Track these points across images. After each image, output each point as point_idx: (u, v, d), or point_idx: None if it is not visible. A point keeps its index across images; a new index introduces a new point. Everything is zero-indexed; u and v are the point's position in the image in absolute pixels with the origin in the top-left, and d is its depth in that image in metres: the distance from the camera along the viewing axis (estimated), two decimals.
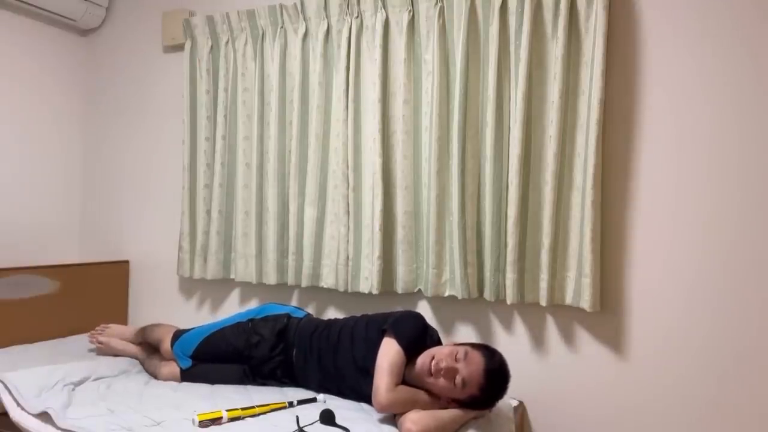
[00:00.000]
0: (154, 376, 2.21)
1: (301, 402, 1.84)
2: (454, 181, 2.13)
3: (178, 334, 2.22)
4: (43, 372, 1.97)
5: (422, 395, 1.73)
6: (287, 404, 1.81)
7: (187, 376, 2.15)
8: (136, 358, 2.37)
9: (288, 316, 2.16)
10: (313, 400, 1.88)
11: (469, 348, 1.74)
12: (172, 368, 2.18)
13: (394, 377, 1.71)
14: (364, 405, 1.88)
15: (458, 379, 1.67)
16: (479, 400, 1.71)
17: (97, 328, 2.58)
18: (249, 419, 1.71)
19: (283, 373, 2.08)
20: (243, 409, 1.73)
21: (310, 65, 2.47)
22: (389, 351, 1.76)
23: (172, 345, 2.19)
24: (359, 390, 1.89)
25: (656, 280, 1.95)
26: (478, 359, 1.70)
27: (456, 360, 1.69)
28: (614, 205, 2.01)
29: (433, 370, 1.69)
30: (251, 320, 2.17)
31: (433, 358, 1.71)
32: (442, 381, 1.69)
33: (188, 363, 2.15)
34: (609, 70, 1.97)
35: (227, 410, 1.70)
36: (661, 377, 1.94)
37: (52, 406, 1.74)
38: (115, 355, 2.40)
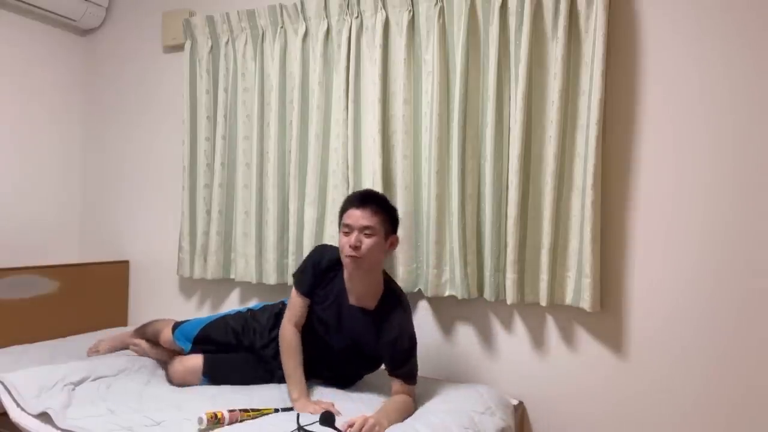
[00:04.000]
0: (170, 378, 2.12)
1: (285, 409, 1.80)
2: (454, 181, 2.13)
3: (178, 324, 2.26)
4: (42, 372, 1.96)
5: (300, 369, 1.93)
6: (273, 410, 1.79)
7: (209, 371, 2.09)
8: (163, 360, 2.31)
9: (282, 302, 2.21)
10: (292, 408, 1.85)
11: None
12: (194, 362, 2.11)
13: (289, 311, 2.02)
14: (353, 394, 1.92)
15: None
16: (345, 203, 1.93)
17: (91, 347, 2.50)
18: (248, 420, 1.70)
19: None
20: (241, 410, 1.72)
21: (310, 65, 2.46)
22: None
23: (173, 332, 2.22)
24: (345, 367, 2.05)
25: (656, 280, 1.95)
26: None
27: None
28: (614, 205, 2.01)
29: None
30: (250, 310, 2.26)
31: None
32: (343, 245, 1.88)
33: (188, 346, 2.17)
34: (609, 70, 1.97)
35: (229, 410, 1.69)
36: (661, 377, 1.94)
37: (51, 407, 1.73)
38: (156, 358, 2.33)
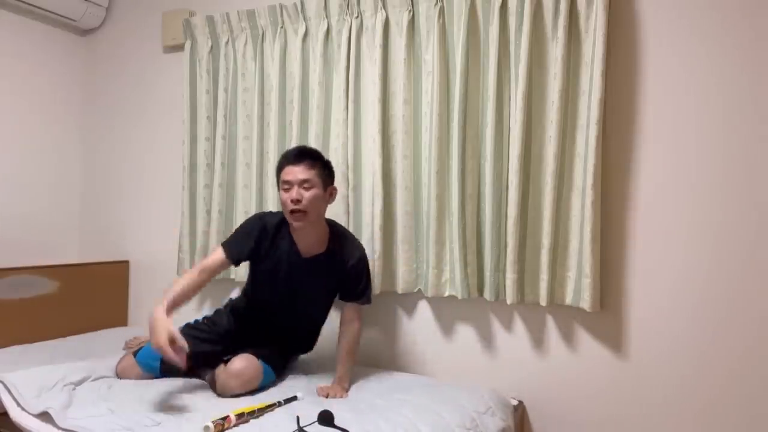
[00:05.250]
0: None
1: (288, 400, 1.84)
2: (454, 181, 2.14)
3: (137, 352, 2.13)
4: (43, 372, 1.96)
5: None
6: (277, 403, 1.80)
7: (268, 361, 2.02)
8: None
9: (230, 299, 2.30)
10: (294, 398, 1.89)
11: None
12: (246, 363, 1.96)
13: (203, 261, 1.99)
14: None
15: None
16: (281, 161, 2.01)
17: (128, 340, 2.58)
18: (252, 420, 1.70)
19: (262, 338, 2.11)
20: (246, 413, 1.72)
21: (310, 65, 2.47)
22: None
23: (135, 357, 2.09)
24: (303, 312, 2.13)
25: (656, 280, 1.95)
26: None
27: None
28: (614, 205, 2.01)
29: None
30: (205, 317, 2.24)
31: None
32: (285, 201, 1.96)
33: (157, 365, 2.06)
34: (609, 70, 1.97)
35: (236, 414, 1.68)
36: (661, 377, 1.94)
37: (52, 406, 1.73)
38: None
